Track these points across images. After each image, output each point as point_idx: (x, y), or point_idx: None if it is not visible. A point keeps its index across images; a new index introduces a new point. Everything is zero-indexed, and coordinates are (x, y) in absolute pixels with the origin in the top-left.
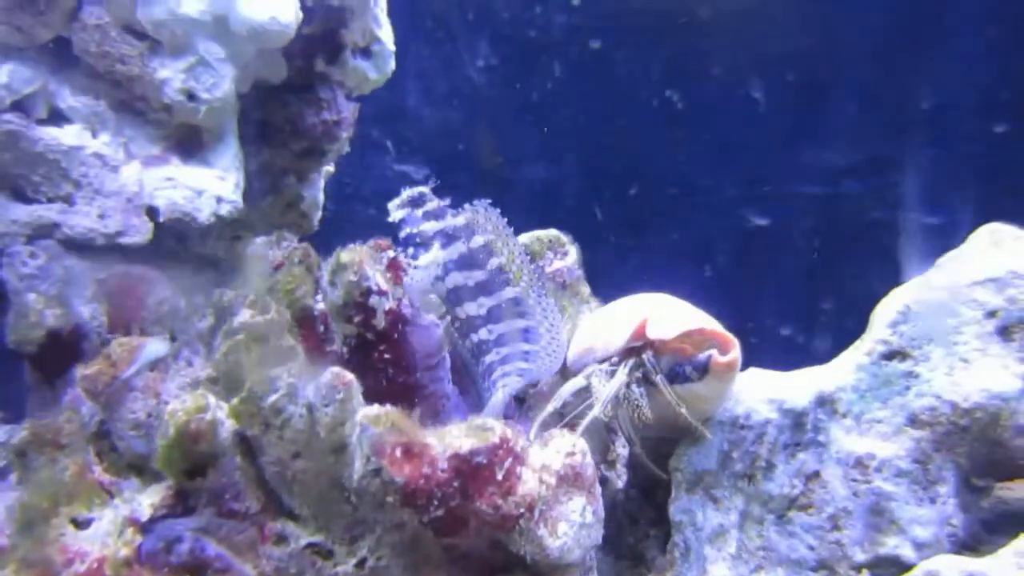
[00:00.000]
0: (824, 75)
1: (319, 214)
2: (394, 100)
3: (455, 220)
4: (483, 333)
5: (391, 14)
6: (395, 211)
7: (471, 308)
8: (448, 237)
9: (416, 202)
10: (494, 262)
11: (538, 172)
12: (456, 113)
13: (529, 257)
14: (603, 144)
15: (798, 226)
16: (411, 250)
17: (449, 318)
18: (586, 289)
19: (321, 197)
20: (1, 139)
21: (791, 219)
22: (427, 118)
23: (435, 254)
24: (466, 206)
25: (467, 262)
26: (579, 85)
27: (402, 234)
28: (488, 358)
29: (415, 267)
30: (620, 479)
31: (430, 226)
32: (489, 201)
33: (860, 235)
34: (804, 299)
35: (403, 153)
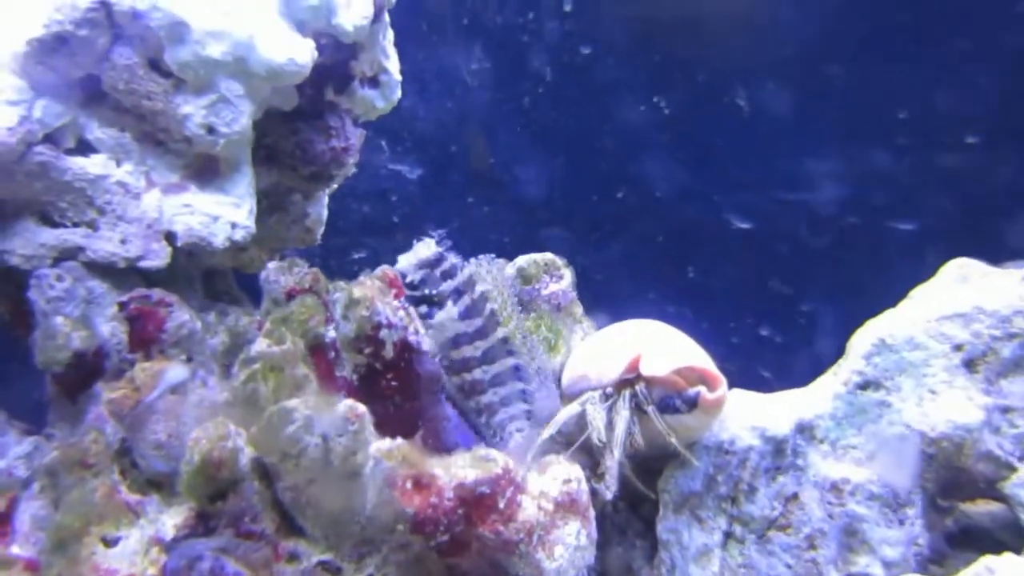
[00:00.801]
0: (805, 84)
1: (322, 229)
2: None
3: (463, 275)
4: (477, 373)
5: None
6: (412, 272)
7: (467, 351)
8: (458, 293)
9: (433, 264)
10: (489, 307)
11: (528, 173)
12: (449, 115)
13: (518, 302)
14: (591, 147)
15: (779, 230)
16: (424, 308)
17: (439, 356)
18: (579, 310)
19: (325, 213)
20: (33, 169)
21: (772, 223)
22: (421, 119)
23: (449, 311)
24: (472, 260)
25: (470, 311)
26: (569, 89)
27: (418, 293)
28: (486, 398)
29: (429, 326)
30: (609, 491)
31: (447, 285)
32: (493, 256)
33: (838, 240)
34: (783, 301)
35: (397, 152)
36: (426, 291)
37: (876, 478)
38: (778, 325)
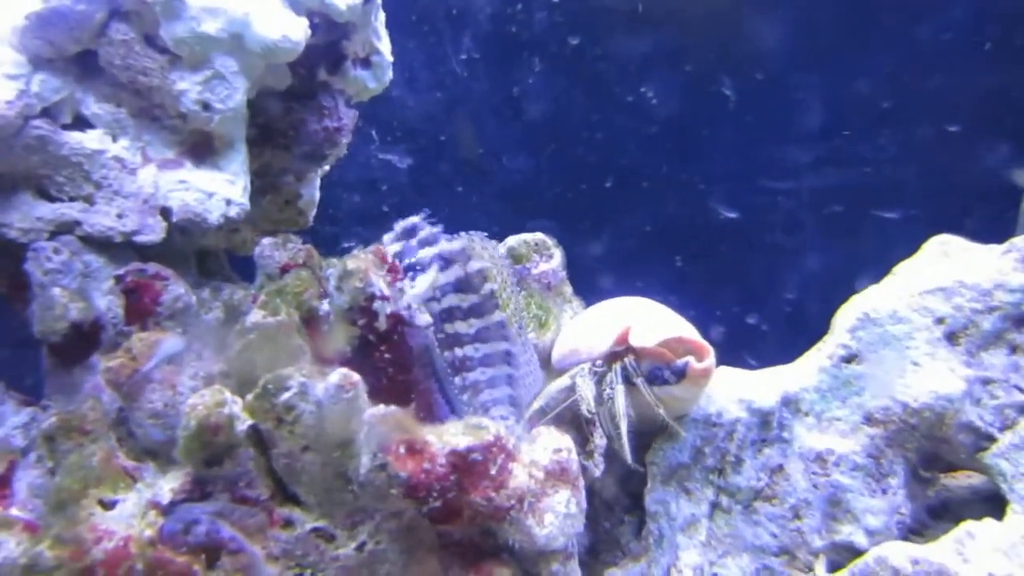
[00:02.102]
0: (790, 74)
1: (314, 211)
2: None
3: (451, 245)
4: (469, 350)
5: None
6: (390, 244)
7: (461, 326)
8: (445, 261)
9: (410, 232)
10: (488, 287)
11: (516, 163)
12: (438, 104)
13: (519, 288)
14: (579, 138)
15: (764, 219)
16: (408, 278)
17: (433, 330)
18: (569, 289)
19: (317, 195)
20: (31, 143)
21: (758, 213)
22: (410, 108)
23: (432, 276)
24: (462, 234)
25: (463, 285)
26: (557, 80)
27: (402, 265)
28: (473, 375)
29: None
30: (598, 469)
31: (426, 252)
32: (485, 234)
33: (822, 228)
34: (769, 289)
35: (387, 142)
36: (408, 260)
37: (860, 448)
38: (765, 313)
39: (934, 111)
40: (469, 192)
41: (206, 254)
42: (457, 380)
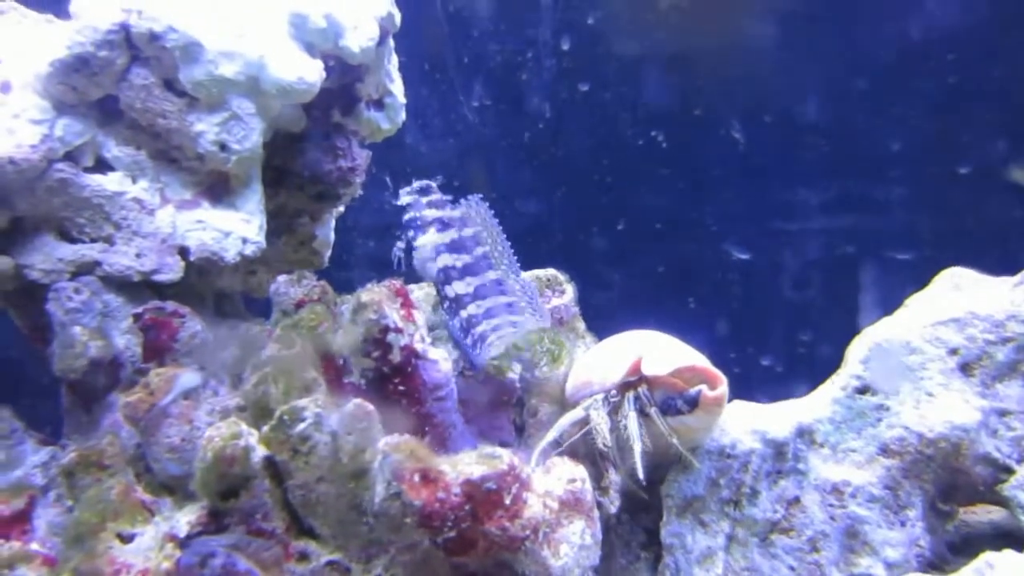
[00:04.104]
0: (799, 117)
1: (329, 251)
2: (393, 137)
3: (452, 212)
4: (472, 308)
5: None
6: (404, 196)
7: (460, 287)
8: (444, 224)
9: (423, 191)
10: (480, 250)
11: (528, 207)
12: (451, 150)
13: (510, 245)
14: (591, 181)
15: (776, 260)
16: (411, 232)
17: (445, 307)
18: (581, 325)
19: (332, 236)
20: (54, 186)
21: (770, 254)
22: (423, 155)
23: (431, 237)
24: (462, 201)
25: (456, 247)
26: (568, 125)
27: (406, 217)
28: (479, 328)
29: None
30: (613, 505)
31: (430, 213)
32: (480, 196)
33: (834, 269)
34: (783, 330)
35: (400, 187)
36: (412, 213)
37: (876, 480)
38: (777, 354)
39: (945, 153)
40: None
41: (223, 296)
42: (468, 338)
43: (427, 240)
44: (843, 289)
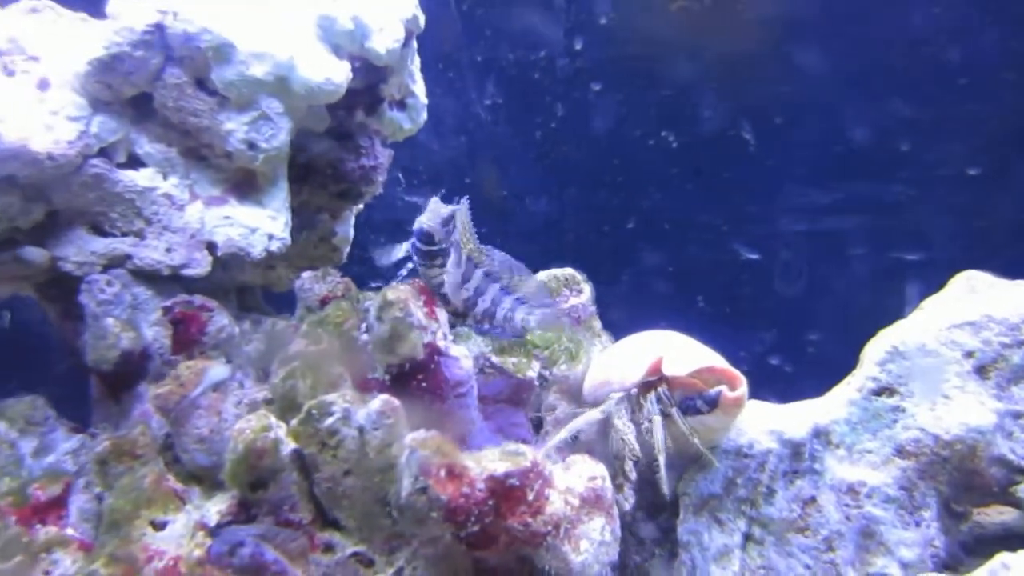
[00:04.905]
0: (809, 117)
1: (348, 248)
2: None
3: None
4: (481, 304)
5: None
6: (438, 231)
7: (464, 293)
8: (456, 244)
9: (447, 221)
10: (465, 255)
11: (539, 205)
12: (463, 148)
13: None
14: (601, 180)
15: (786, 261)
16: (440, 260)
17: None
18: (598, 324)
19: (351, 233)
20: (88, 180)
21: (780, 254)
22: (436, 152)
23: (454, 259)
24: (452, 204)
25: (459, 259)
26: (580, 124)
27: (435, 247)
28: (500, 311)
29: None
30: (628, 502)
31: (452, 237)
32: (458, 198)
33: (843, 270)
34: (792, 330)
35: (413, 185)
36: (442, 245)
37: (892, 480)
38: (787, 354)
39: (955, 153)
40: (493, 233)
41: (244, 290)
42: (484, 327)
43: (453, 263)
44: (853, 289)
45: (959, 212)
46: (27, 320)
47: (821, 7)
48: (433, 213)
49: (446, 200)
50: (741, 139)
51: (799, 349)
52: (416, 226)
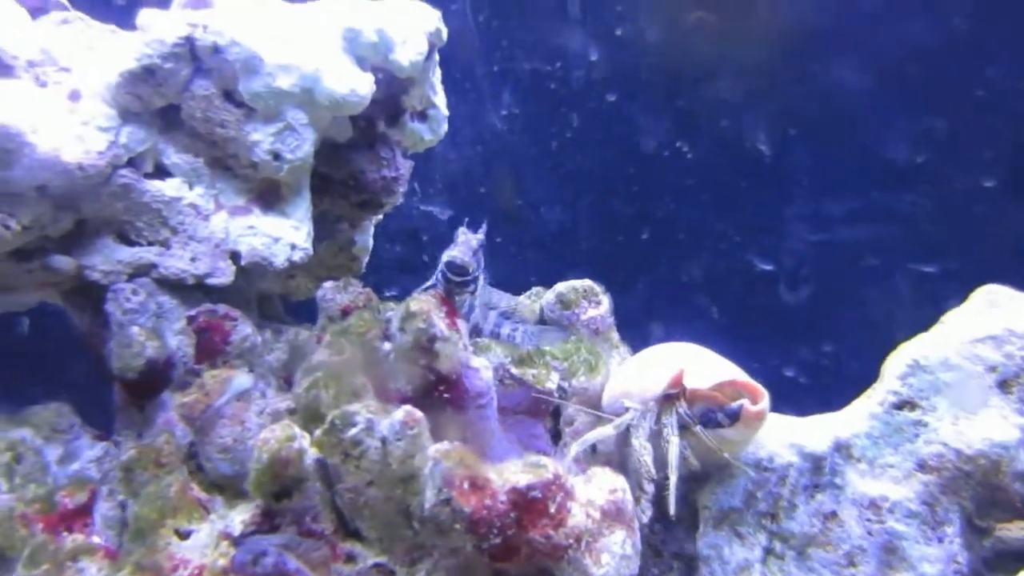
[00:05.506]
0: (823, 129)
1: (367, 257)
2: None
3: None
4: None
5: None
6: (473, 263)
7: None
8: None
9: (477, 251)
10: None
11: (554, 214)
12: (479, 158)
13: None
14: (616, 190)
15: (800, 271)
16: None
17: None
18: (616, 335)
19: (370, 242)
20: (116, 190)
21: (794, 264)
22: (452, 162)
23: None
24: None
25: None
26: (595, 134)
27: (468, 277)
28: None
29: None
30: (645, 514)
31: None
32: (480, 231)
33: (858, 281)
34: (806, 341)
35: (428, 194)
36: (475, 275)
37: (914, 495)
38: (802, 366)
39: (971, 164)
40: (507, 242)
41: (264, 298)
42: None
43: (483, 288)
44: (867, 301)
45: (975, 223)
46: (45, 325)
47: (838, 19)
48: (465, 246)
49: (458, 215)
50: (756, 150)
51: (814, 361)
52: (448, 259)
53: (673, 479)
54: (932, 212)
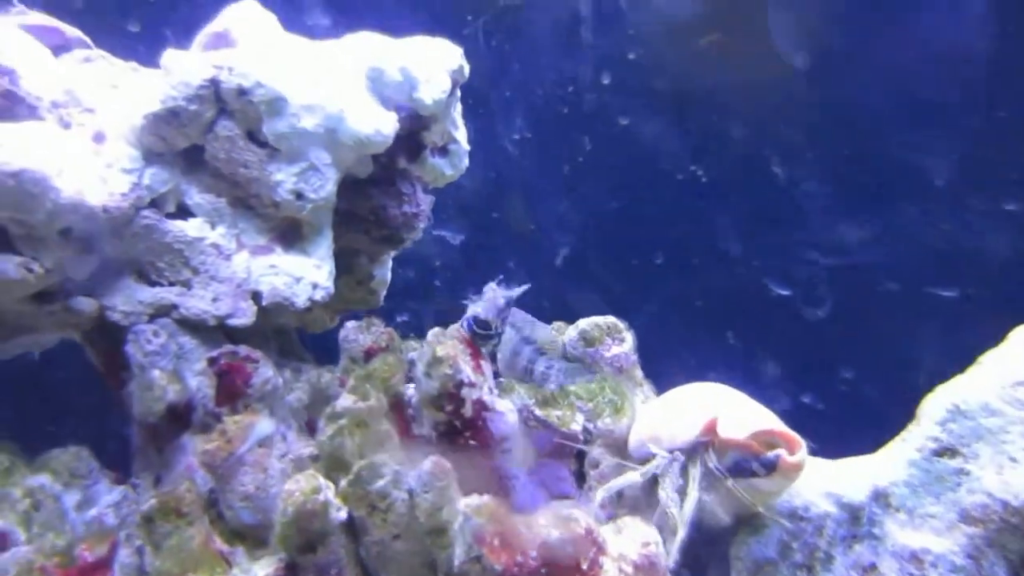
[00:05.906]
0: (841, 152)
1: (385, 291)
2: None
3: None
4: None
5: None
6: (498, 321)
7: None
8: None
9: (503, 310)
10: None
11: (567, 239)
12: (491, 182)
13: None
14: (629, 214)
15: (818, 296)
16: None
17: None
18: (639, 373)
19: (388, 276)
20: (139, 232)
21: (811, 289)
22: (465, 187)
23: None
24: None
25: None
26: (608, 158)
27: (492, 332)
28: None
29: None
30: (670, 558)
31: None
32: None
33: (876, 306)
34: (823, 367)
35: (441, 219)
36: (499, 330)
37: (958, 548)
38: (819, 392)
39: (990, 188)
40: (520, 267)
41: (280, 332)
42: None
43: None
44: (885, 326)
45: (995, 247)
46: (55, 354)
47: (852, 39)
48: (492, 303)
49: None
50: (771, 173)
51: (831, 387)
52: (471, 314)
53: (680, 534)
54: (951, 236)
